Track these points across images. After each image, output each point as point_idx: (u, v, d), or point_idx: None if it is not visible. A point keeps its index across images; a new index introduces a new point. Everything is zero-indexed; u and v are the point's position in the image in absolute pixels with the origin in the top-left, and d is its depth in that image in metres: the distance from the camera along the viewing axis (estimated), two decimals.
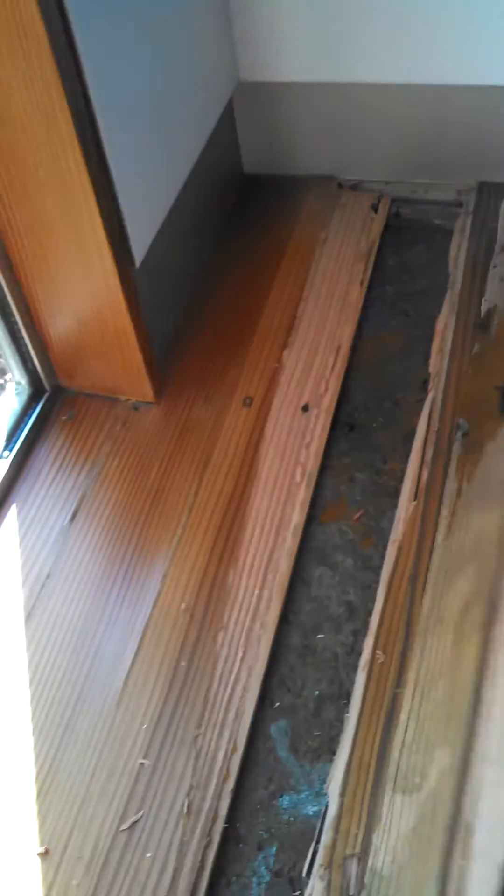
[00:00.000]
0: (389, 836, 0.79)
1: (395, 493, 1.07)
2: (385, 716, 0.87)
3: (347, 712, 0.90)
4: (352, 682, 0.92)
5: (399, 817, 0.79)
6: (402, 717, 0.86)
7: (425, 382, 1.17)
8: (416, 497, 1.03)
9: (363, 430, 1.14)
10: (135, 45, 0.96)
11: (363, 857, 0.80)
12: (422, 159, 1.39)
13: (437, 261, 1.33)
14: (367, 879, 0.76)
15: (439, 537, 0.96)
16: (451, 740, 0.82)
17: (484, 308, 1.15)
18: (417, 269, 1.32)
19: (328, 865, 0.80)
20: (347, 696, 0.92)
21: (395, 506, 1.05)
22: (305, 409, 1.13)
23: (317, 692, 0.93)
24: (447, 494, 0.99)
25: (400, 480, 1.08)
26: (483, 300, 1.16)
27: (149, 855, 0.82)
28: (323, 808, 0.85)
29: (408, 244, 1.37)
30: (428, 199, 1.41)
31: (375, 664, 0.91)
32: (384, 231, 1.38)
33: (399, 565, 0.98)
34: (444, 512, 0.96)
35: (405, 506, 1.03)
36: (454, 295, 1.24)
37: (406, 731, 0.85)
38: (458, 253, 1.30)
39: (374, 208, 1.39)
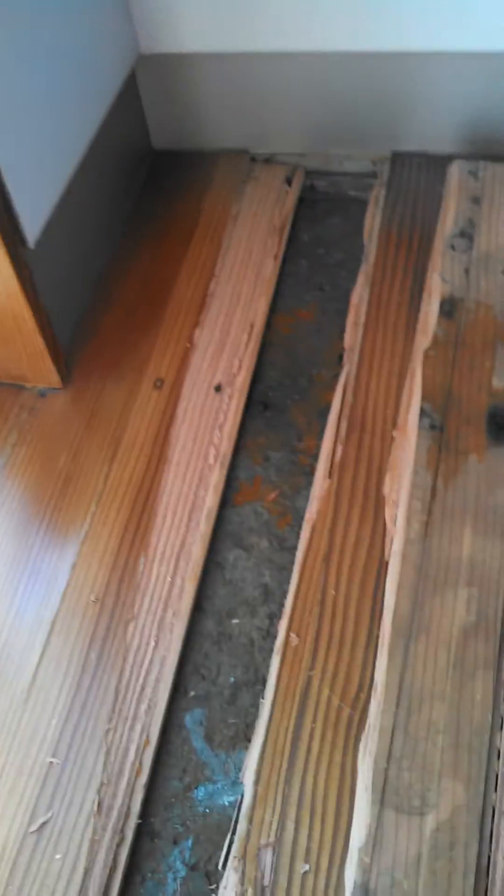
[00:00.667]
0: (381, 853, 0.76)
1: (311, 472, 1.05)
2: (299, 700, 0.85)
3: (262, 698, 0.88)
4: (267, 667, 0.90)
5: (393, 837, 0.76)
6: (370, 718, 0.84)
7: (340, 357, 1.14)
8: (330, 474, 1.01)
9: (278, 409, 1.11)
10: (15, 14, 0.91)
11: (277, 846, 0.78)
12: (335, 130, 1.36)
13: (353, 233, 1.31)
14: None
15: (412, 533, 0.93)
16: (464, 774, 0.78)
17: (443, 289, 1.12)
18: (332, 242, 1.30)
19: (242, 856, 0.78)
20: (263, 681, 0.90)
21: (310, 484, 1.03)
22: (218, 388, 1.10)
23: (232, 679, 0.90)
24: (414, 486, 0.97)
25: (316, 458, 1.05)
26: (441, 279, 1.13)
27: (58, 856, 0.80)
28: (238, 798, 0.82)
29: (322, 217, 1.34)
30: (342, 171, 1.38)
31: (289, 647, 0.89)
32: (298, 204, 1.35)
33: (313, 545, 0.96)
34: (416, 506, 0.94)
35: (320, 484, 1.01)
36: (368, 267, 1.22)
37: (374, 733, 0.83)
38: (373, 224, 1.28)
39: (288, 181, 1.36)
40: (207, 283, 1.22)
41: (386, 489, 0.99)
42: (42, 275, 1.02)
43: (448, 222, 1.20)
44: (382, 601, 0.91)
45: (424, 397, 1.02)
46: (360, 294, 1.19)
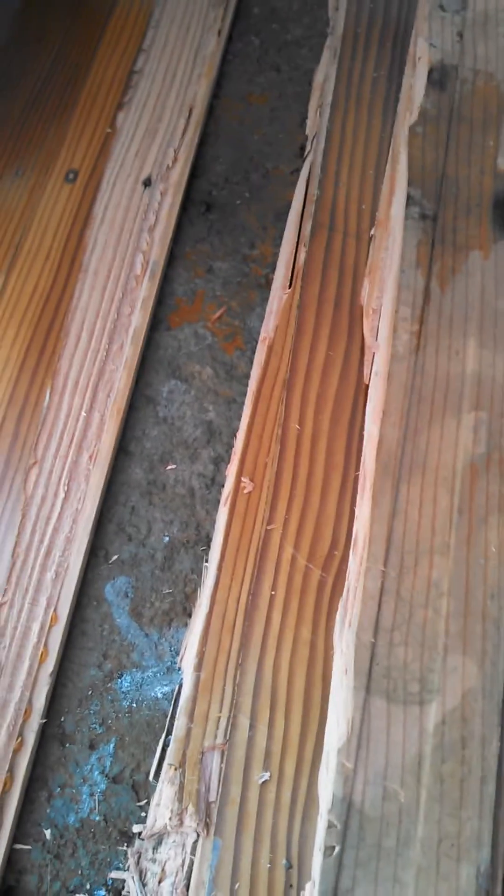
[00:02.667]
0: (368, 755, 0.56)
1: (267, 284, 0.82)
2: (254, 561, 0.64)
3: (206, 561, 0.67)
4: (212, 523, 0.69)
5: (384, 734, 0.55)
6: (348, 581, 0.63)
7: (302, 148, 0.90)
8: (291, 283, 0.78)
9: (224, 210, 0.87)
10: None
11: (227, 749, 0.57)
12: None
13: (314, 6, 1.05)
14: (340, 820, 0.53)
15: (399, 346, 0.70)
16: (477, 649, 0.58)
17: (432, 56, 0.87)
18: (290, 16, 1.04)
19: (180, 764, 0.58)
20: (207, 540, 0.68)
21: (266, 299, 0.80)
22: (147, 183, 0.86)
23: (167, 538, 0.69)
24: (401, 289, 0.74)
25: (272, 268, 0.82)
26: (428, 44, 0.89)
27: None
28: (176, 688, 0.62)
29: None
30: None
31: (241, 496, 0.67)
32: None
33: (270, 369, 0.74)
34: (404, 313, 0.71)
35: (278, 295, 0.78)
36: (335, 40, 0.96)
37: (356, 599, 0.62)
38: None
39: None
40: (134, 58, 0.96)
41: (364, 297, 0.76)
42: None
43: None
44: (360, 435, 0.69)
45: (411, 182, 0.79)
46: (325, 72, 0.94)
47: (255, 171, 0.90)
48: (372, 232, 0.81)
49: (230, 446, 0.73)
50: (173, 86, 0.94)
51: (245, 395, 0.75)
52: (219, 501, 0.70)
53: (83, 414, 0.73)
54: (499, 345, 0.70)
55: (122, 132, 0.90)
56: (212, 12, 1.00)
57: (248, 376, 0.77)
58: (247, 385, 0.76)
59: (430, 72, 0.86)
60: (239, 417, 0.74)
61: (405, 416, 0.67)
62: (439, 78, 0.85)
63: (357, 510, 0.65)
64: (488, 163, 0.80)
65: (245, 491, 0.68)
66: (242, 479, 0.69)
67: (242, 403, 0.75)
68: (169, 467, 0.73)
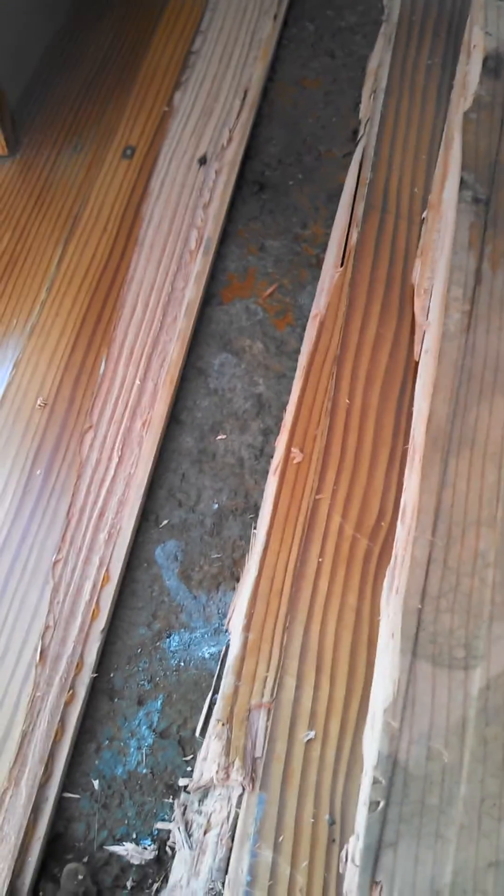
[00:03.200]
0: (413, 716, 0.57)
1: (318, 264, 0.83)
2: (303, 529, 0.66)
3: (254, 528, 0.68)
4: (260, 492, 0.71)
5: (430, 696, 0.57)
6: (396, 550, 0.64)
7: (355, 132, 0.92)
8: (342, 263, 0.79)
9: (277, 190, 0.89)
10: None
11: (274, 707, 0.59)
12: None
13: None
14: (385, 776, 0.55)
15: (451, 325, 0.71)
16: None
17: (487, 44, 0.88)
18: (344, 3, 1.05)
19: (227, 720, 0.59)
20: (255, 508, 0.70)
21: (316, 278, 0.82)
22: (203, 161, 0.88)
23: (216, 505, 0.71)
24: (453, 270, 0.75)
25: (323, 248, 0.84)
26: (484, 33, 0.90)
27: None
28: (223, 649, 0.64)
29: None
30: None
31: (290, 467, 0.69)
32: None
33: (321, 345, 0.75)
34: (456, 293, 0.72)
35: (329, 273, 0.80)
36: (390, 27, 0.98)
37: (404, 567, 0.63)
38: None
39: None
40: (191, 40, 0.98)
41: (415, 277, 0.78)
42: None
43: None
44: (409, 410, 0.71)
45: (465, 166, 0.80)
46: (379, 58, 0.96)
47: (308, 153, 0.91)
48: (424, 214, 0.82)
49: (279, 419, 0.75)
50: (229, 67, 0.95)
51: (294, 370, 0.77)
52: (267, 472, 0.72)
53: (137, 382, 0.75)
54: None
55: (178, 111, 0.91)
56: None
57: (297, 352, 0.78)
58: (296, 360, 0.77)
59: (485, 60, 0.87)
60: (288, 392, 0.76)
61: (455, 393, 0.68)
62: (494, 66, 0.86)
63: (406, 482, 0.66)
64: None
65: (294, 461, 0.70)
66: (292, 449, 0.70)
67: (292, 378, 0.76)
68: (219, 437, 0.74)
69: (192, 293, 0.80)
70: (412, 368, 0.73)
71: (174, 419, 0.75)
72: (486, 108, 0.84)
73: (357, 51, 1.00)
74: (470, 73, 0.88)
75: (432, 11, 0.98)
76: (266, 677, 0.61)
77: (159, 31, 0.99)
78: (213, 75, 0.95)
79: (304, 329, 0.79)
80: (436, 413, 0.67)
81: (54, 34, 0.99)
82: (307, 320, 0.79)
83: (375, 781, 0.54)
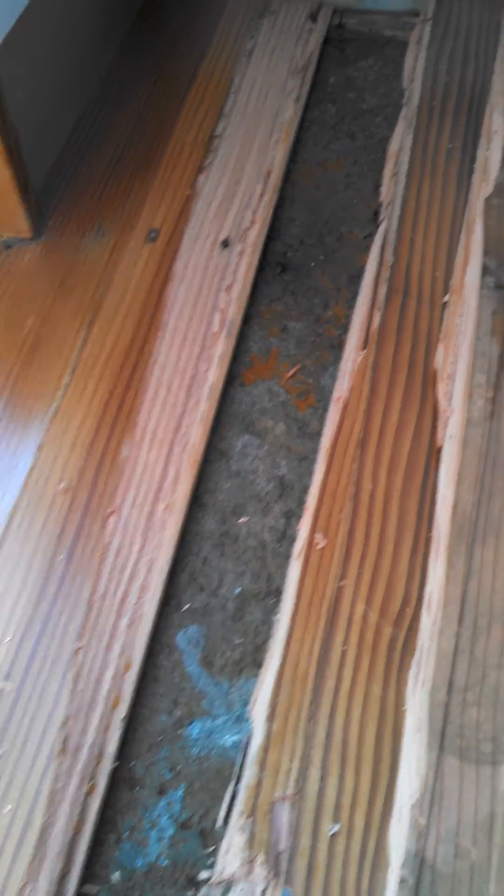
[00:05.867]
0: (441, 812, 0.56)
1: (340, 345, 0.84)
2: (327, 616, 0.65)
3: (277, 613, 0.68)
4: (283, 576, 0.70)
5: (457, 792, 0.56)
6: (421, 640, 0.64)
7: (376, 214, 0.93)
8: (365, 345, 0.80)
9: (299, 271, 0.90)
10: None
11: (298, 800, 0.58)
12: None
13: (390, 76, 1.09)
14: (413, 875, 0.54)
15: (474, 411, 0.72)
16: None
17: None
18: (365, 86, 1.08)
19: (251, 813, 0.58)
20: (277, 593, 0.70)
21: (339, 359, 0.82)
22: (226, 244, 0.89)
23: (238, 589, 0.70)
24: (476, 356, 0.76)
25: (345, 329, 0.84)
26: (503, 118, 0.91)
27: (9, 807, 0.60)
28: (245, 738, 0.63)
29: (353, 59, 1.11)
30: (377, 8, 1.15)
31: (314, 551, 0.69)
32: (324, 44, 1.12)
33: (345, 428, 0.76)
34: (479, 379, 0.73)
35: (352, 356, 0.80)
36: (411, 111, 1.00)
37: (430, 658, 0.63)
38: (415, 65, 1.06)
39: (313, 17, 1.13)
40: (215, 123, 1.00)
41: (438, 362, 0.78)
42: (12, 92, 0.80)
43: None
44: (432, 496, 0.71)
45: (487, 252, 0.81)
46: (400, 141, 0.98)
47: (330, 234, 0.93)
48: (446, 298, 0.83)
49: (301, 501, 0.75)
50: (252, 150, 0.97)
51: (316, 452, 0.77)
52: (289, 555, 0.72)
53: (160, 466, 0.75)
54: None
55: (202, 194, 0.93)
56: (290, 80, 1.04)
57: (319, 434, 0.78)
58: (318, 442, 0.78)
59: None
60: (310, 474, 0.76)
61: (480, 480, 0.68)
62: None
63: (431, 571, 0.66)
64: None
65: (318, 546, 0.70)
66: (315, 534, 0.70)
67: (314, 460, 0.76)
68: (241, 520, 0.74)
69: (214, 376, 0.81)
70: (435, 454, 0.73)
71: (196, 502, 0.75)
72: None
73: (378, 133, 1.02)
74: (491, 158, 0.89)
75: (452, 95, 1.00)
76: (290, 768, 0.61)
77: (182, 114, 1.01)
78: (236, 158, 0.97)
79: (325, 410, 0.79)
80: (461, 501, 0.67)
81: (79, 117, 1.01)
82: (329, 402, 0.79)
83: (403, 880, 0.53)
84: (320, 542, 0.70)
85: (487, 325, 0.76)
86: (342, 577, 0.68)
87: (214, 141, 0.99)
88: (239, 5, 1.14)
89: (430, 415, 0.75)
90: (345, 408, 0.77)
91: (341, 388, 0.79)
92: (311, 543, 0.70)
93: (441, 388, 0.76)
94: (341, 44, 1.13)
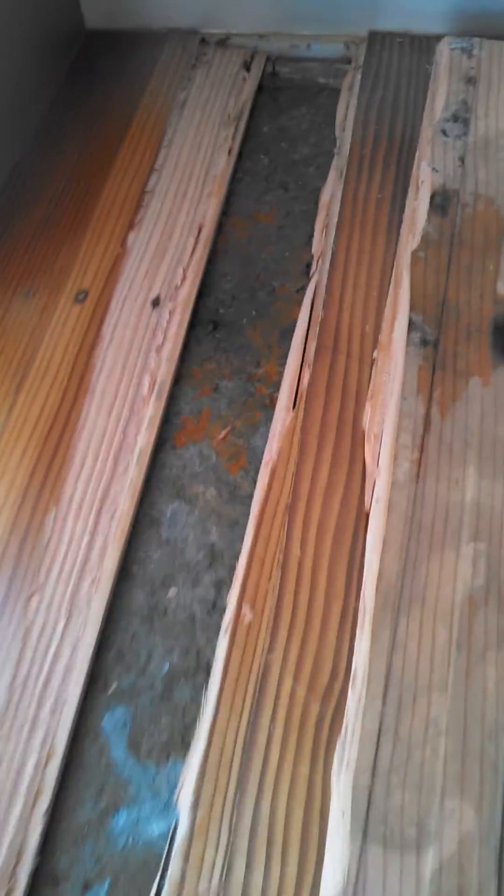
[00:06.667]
0: None
1: (271, 404, 0.83)
2: (254, 693, 0.64)
3: (206, 691, 0.66)
4: (212, 650, 0.69)
5: (381, 881, 0.55)
6: (347, 718, 0.62)
7: (308, 266, 0.92)
8: (294, 405, 0.79)
9: (231, 328, 0.89)
10: None
11: (223, 891, 0.56)
12: (301, 6, 1.12)
13: (322, 125, 1.08)
14: None
15: (400, 474, 0.71)
16: (475, 792, 0.57)
17: (434, 180, 0.90)
18: (298, 136, 1.07)
19: None
20: (208, 669, 0.68)
21: (270, 419, 0.81)
22: (156, 303, 0.88)
23: (167, 666, 0.69)
24: (401, 416, 0.75)
25: (276, 388, 0.83)
26: (431, 169, 0.91)
27: None
28: (171, 827, 0.61)
29: (287, 107, 1.11)
30: (311, 56, 1.15)
31: (241, 625, 0.67)
32: (258, 93, 1.12)
33: (273, 492, 0.74)
34: (405, 440, 0.72)
35: (282, 416, 0.79)
36: (342, 161, 0.99)
37: (354, 738, 0.62)
38: (347, 113, 1.05)
39: (246, 66, 1.13)
40: (146, 178, 0.99)
41: (366, 422, 0.77)
42: None
43: (438, 105, 0.98)
44: (361, 561, 0.69)
45: (413, 307, 0.80)
46: (331, 192, 0.97)
47: (262, 289, 0.92)
48: (374, 355, 0.82)
49: (232, 569, 0.73)
50: (184, 205, 0.96)
51: (248, 516, 0.75)
52: (220, 627, 0.70)
53: (86, 538, 0.74)
54: (498, 473, 0.70)
55: (132, 252, 0.92)
56: (223, 131, 1.04)
57: (251, 497, 0.77)
58: (250, 506, 0.76)
59: (433, 196, 0.88)
60: (242, 539, 0.74)
61: (405, 547, 0.67)
62: (441, 202, 0.87)
63: (357, 644, 0.65)
64: (488, 287, 0.81)
65: (245, 619, 0.68)
66: (243, 605, 0.69)
67: (246, 525, 0.75)
68: (170, 591, 0.73)
69: (144, 440, 0.79)
70: (364, 517, 0.72)
71: (124, 573, 0.74)
72: (434, 245, 0.84)
73: (310, 183, 1.01)
74: (418, 209, 0.88)
75: (382, 143, 1.00)
76: (215, 860, 0.59)
77: (115, 169, 1.00)
78: (168, 213, 0.96)
79: (257, 472, 0.78)
80: (386, 569, 0.66)
81: (9, 174, 1.00)
82: (260, 464, 0.78)
83: None
84: (248, 614, 0.68)
85: (413, 383, 0.75)
86: (270, 650, 0.66)
87: (146, 196, 0.98)
88: (172, 55, 1.14)
89: (359, 478, 0.74)
90: (273, 471, 0.76)
91: (270, 450, 0.78)
92: (238, 616, 0.68)
93: (369, 450, 0.75)
94: (275, 92, 1.13)
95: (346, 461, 0.75)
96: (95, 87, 1.10)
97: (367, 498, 0.73)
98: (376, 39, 1.13)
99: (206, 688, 0.67)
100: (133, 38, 1.16)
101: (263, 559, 0.71)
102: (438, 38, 1.06)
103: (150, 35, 1.16)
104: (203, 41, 1.16)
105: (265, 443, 0.80)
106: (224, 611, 0.71)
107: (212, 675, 0.67)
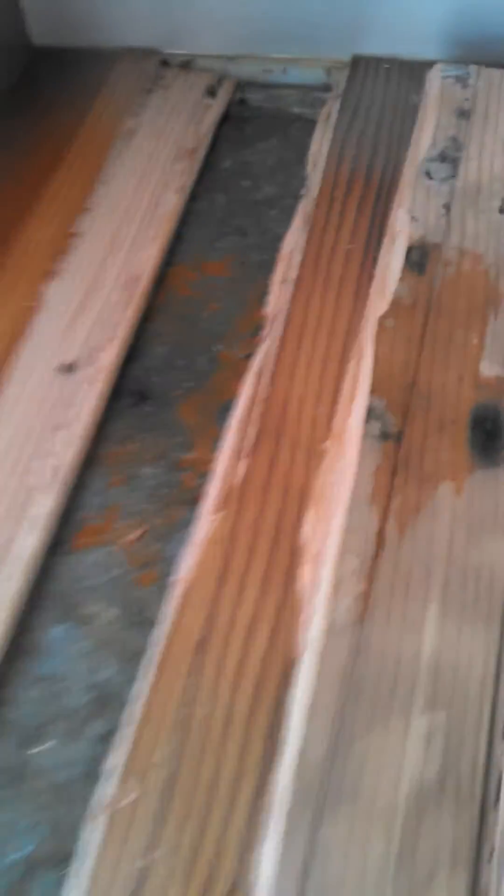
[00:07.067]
0: None
1: (197, 500, 0.67)
2: None
3: (68, 890, 0.50)
4: (81, 837, 0.52)
5: None
6: None
7: (258, 329, 0.76)
8: (224, 505, 0.63)
9: (161, 401, 0.73)
10: None
11: None
12: (277, 26, 0.98)
13: (293, 161, 0.93)
14: None
15: (340, 612, 0.55)
16: None
17: (412, 231, 0.74)
18: (262, 173, 0.92)
19: None
20: (68, 858, 0.52)
21: (193, 520, 0.65)
22: (71, 369, 0.72)
23: (21, 854, 0.52)
24: (349, 532, 0.59)
25: (207, 479, 0.67)
26: (409, 217, 0.76)
27: None
28: None
29: (254, 139, 0.96)
30: (286, 82, 1.00)
31: (120, 805, 0.51)
32: (222, 123, 0.97)
33: (185, 622, 0.58)
34: (352, 565, 0.56)
35: (206, 521, 0.63)
36: (309, 204, 0.84)
37: None
38: (320, 149, 0.91)
39: (211, 92, 0.98)
40: (75, 218, 0.84)
41: (306, 535, 0.61)
42: None
43: (424, 142, 0.83)
44: (285, 727, 0.53)
45: (375, 389, 0.64)
46: (294, 241, 0.82)
47: (203, 354, 0.77)
48: (325, 444, 0.66)
49: (126, 718, 0.57)
50: (119, 251, 0.82)
51: (154, 647, 0.59)
52: (95, 805, 0.54)
53: None
54: (467, 617, 0.53)
55: (48, 306, 0.77)
56: (176, 165, 0.89)
57: (160, 621, 0.61)
58: (159, 632, 0.60)
59: (409, 250, 0.72)
60: (144, 678, 0.58)
61: (338, 716, 0.50)
62: (419, 258, 0.72)
63: (264, 849, 0.48)
64: (469, 367, 0.65)
65: (129, 799, 0.52)
66: (128, 779, 0.52)
67: (150, 659, 0.59)
68: (40, 747, 0.57)
69: (31, 541, 0.64)
70: (292, 664, 0.55)
71: None
72: (406, 312, 0.68)
73: (272, 228, 0.86)
74: (392, 265, 0.73)
75: (357, 185, 0.85)
76: None
77: (41, 208, 0.85)
78: (99, 261, 0.81)
79: (171, 590, 0.62)
80: (309, 746, 0.49)
81: None
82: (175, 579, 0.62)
83: None
84: (133, 792, 0.52)
85: (367, 488, 0.59)
86: (155, 846, 0.50)
87: (73, 240, 0.83)
88: (123, 78, 0.99)
89: (293, 609, 0.58)
90: (186, 595, 0.59)
91: (187, 564, 0.61)
92: (118, 794, 0.52)
93: (306, 573, 0.59)
94: (241, 122, 0.98)
95: (280, 586, 0.59)
96: (33, 113, 0.96)
97: (299, 637, 0.56)
98: (360, 64, 0.98)
99: (69, 886, 0.50)
100: (82, 56, 1.01)
101: (163, 713, 0.55)
102: (431, 64, 0.91)
103: (100, 54, 1.01)
104: (164, 63, 1.02)
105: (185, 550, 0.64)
106: (109, 780, 0.54)
107: (76, 873, 0.51)
